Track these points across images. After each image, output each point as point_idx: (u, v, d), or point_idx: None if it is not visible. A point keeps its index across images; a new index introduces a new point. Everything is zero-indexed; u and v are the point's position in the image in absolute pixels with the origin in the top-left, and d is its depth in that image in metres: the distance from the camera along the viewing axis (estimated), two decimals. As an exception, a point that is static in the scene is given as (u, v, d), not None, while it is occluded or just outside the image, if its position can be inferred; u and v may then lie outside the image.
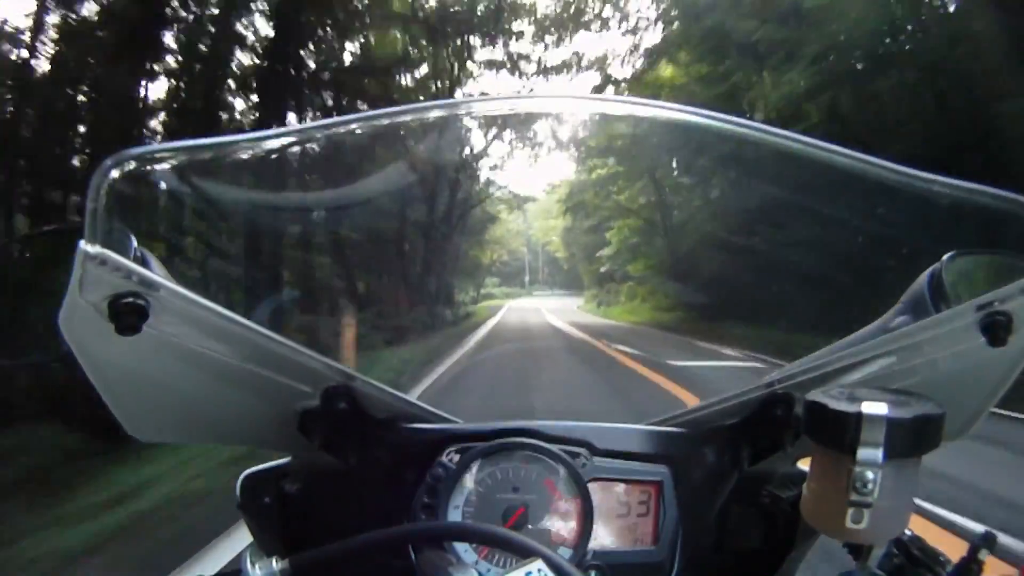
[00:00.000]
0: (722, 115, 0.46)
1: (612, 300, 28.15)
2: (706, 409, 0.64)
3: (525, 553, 0.44)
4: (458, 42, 15.15)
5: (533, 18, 15.93)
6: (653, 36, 17.20)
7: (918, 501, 0.40)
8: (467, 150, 17.54)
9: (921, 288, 0.59)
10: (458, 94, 15.24)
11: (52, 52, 7.49)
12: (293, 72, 10.49)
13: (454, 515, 0.60)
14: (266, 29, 10.44)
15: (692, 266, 17.00)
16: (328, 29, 11.53)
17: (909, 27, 9.98)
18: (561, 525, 0.60)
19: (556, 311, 26.63)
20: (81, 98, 8.26)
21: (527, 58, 16.54)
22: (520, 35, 15.95)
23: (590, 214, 26.66)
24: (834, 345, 0.60)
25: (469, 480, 0.61)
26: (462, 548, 0.58)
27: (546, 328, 17.28)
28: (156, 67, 8.64)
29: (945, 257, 0.59)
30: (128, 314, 0.39)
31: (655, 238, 21.35)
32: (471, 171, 19.18)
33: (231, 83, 9.97)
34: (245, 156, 0.46)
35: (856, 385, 0.49)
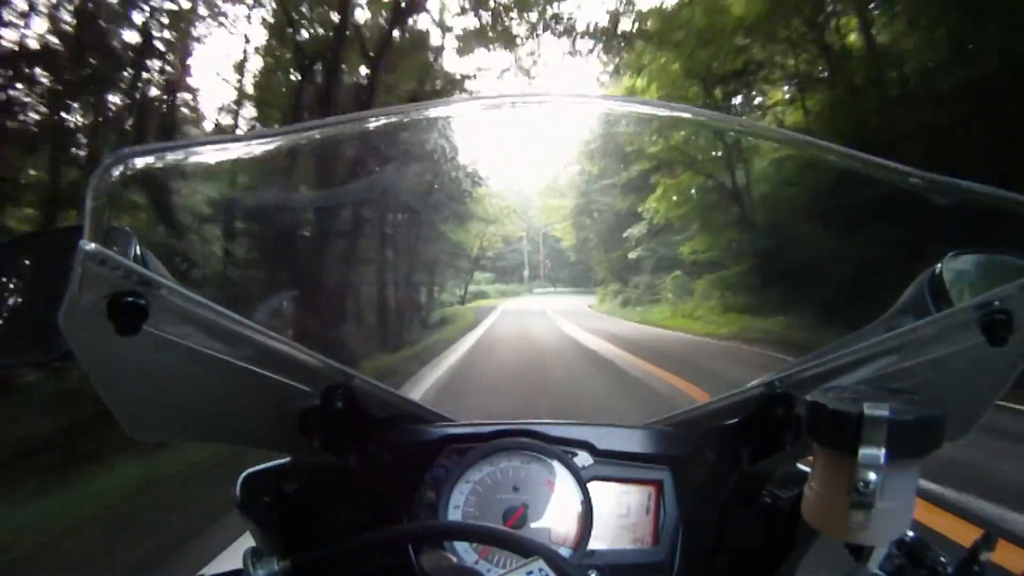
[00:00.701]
0: (727, 116, 0.46)
1: (644, 298, 19.81)
2: (706, 409, 0.64)
3: (525, 552, 0.44)
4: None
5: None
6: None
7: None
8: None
9: (921, 288, 0.59)
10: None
11: None
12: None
13: (454, 515, 0.60)
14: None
15: (784, 245, 10.59)
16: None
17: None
18: (561, 525, 0.60)
19: (569, 314, 18.63)
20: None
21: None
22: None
23: (626, 163, 17.97)
24: (834, 344, 0.60)
25: (469, 480, 0.61)
26: (462, 548, 0.58)
27: (569, 351, 9.70)
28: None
29: (945, 257, 0.59)
30: (128, 313, 0.39)
31: (721, 204, 13.79)
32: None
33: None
34: (245, 155, 0.46)
35: (857, 385, 0.49)
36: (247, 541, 0.59)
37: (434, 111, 0.53)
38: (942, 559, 0.48)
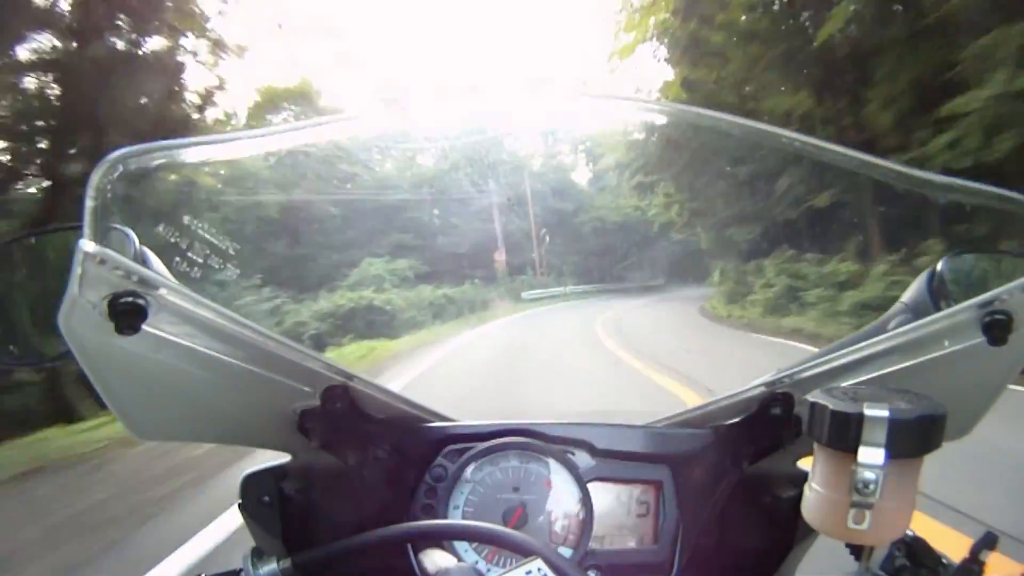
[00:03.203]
0: (732, 116, 0.46)
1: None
2: (706, 409, 0.64)
3: (525, 552, 0.44)
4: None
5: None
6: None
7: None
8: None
9: (921, 287, 0.59)
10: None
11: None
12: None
13: (454, 515, 0.60)
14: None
15: None
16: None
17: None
18: (561, 525, 0.60)
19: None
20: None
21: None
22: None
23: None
24: (834, 344, 0.60)
25: (468, 480, 0.61)
26: (462, 547, 0.58)
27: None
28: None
29: (945, 257, 0.59)
30: (128, 313, 0.39)
31: None
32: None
33: None
34: (243, 153, 0.46)
35: (857, 385, 0.49)
36: (248, 541, 0.59)
37: (435, 110, 0.53)
38: (943, 559, 0.48)
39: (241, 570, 0.46)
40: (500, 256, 17.87)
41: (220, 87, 8.03)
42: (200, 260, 0.50)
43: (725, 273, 12.24)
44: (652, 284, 19.77)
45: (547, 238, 19.94)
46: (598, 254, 20.59)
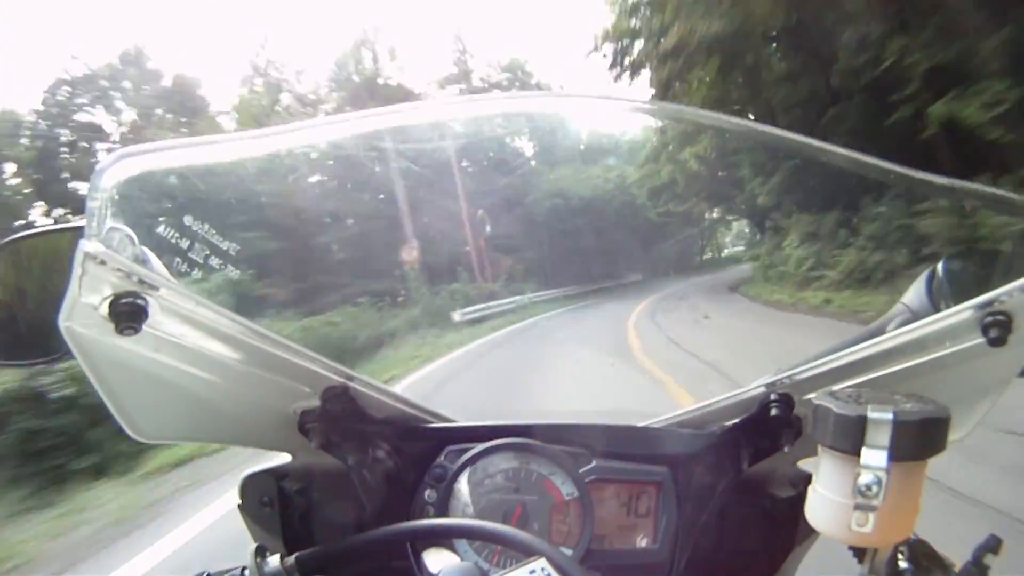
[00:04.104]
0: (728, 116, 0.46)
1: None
2: (706, 409, 0.64)
3: (529, 552, 0.44)
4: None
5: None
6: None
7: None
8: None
9: (921, 288, 0.59)
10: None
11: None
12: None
13: (454, 515, 0.60)
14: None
15: None
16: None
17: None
18: (561, 525, 0.60)
19: None
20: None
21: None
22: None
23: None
24: (833, 345, 0.60)
25: (468, 480, 0.61)
26: (462, 549, 0.58)
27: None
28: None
29: (945, 257, 0.58)
30: (128, 314, 0.39)
31: None
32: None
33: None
34: (244, 154, 0.46)
35: (859, 387, 0.49)
36: (247, 540, 0.59)
37: (432, 110, 0.53)
38: (946, 562, 0.48)
39: (245, 568, 0.46)
40: (411, 254, 11.04)
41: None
42: (201, 260, 0.50)
43: (827, 235, 7.32)
44: (633, 280, 15.23)
45: (487, 226, 13.00)
46: (564, 243, 13.80)
